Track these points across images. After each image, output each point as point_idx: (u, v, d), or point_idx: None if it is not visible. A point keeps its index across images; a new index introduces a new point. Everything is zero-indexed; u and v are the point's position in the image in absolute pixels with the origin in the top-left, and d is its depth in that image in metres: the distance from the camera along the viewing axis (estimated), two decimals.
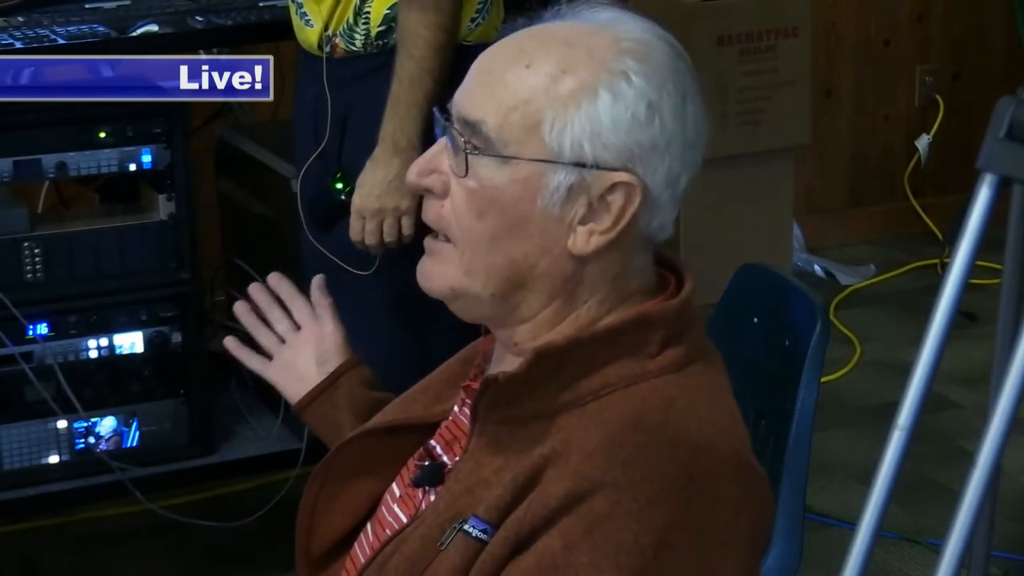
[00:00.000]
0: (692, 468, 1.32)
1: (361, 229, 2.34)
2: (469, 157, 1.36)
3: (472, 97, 1.38)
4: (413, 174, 1.42)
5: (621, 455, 1.30)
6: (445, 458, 1.47)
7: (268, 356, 1.82)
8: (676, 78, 1.36)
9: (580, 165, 1.34)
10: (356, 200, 2.34)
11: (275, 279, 1.83)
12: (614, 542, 1.27)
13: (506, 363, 1.44)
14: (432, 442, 1.50)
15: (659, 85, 1.34)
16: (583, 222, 1.35)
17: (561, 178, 1.34)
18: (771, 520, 1.45)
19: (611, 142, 1.33)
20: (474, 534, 1.34)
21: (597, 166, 1.34)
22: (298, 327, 1.81)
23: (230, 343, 1.83)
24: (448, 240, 1.40)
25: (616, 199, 1.35)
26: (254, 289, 1.83)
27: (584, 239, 1.36)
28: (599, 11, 1.39)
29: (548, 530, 1.29)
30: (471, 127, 1.36)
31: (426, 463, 1.48)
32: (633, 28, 1.38)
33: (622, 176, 1.34)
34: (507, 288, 1.39)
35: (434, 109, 1.46)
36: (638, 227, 1.37)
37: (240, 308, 1.83)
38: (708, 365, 1.42)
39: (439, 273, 1.41)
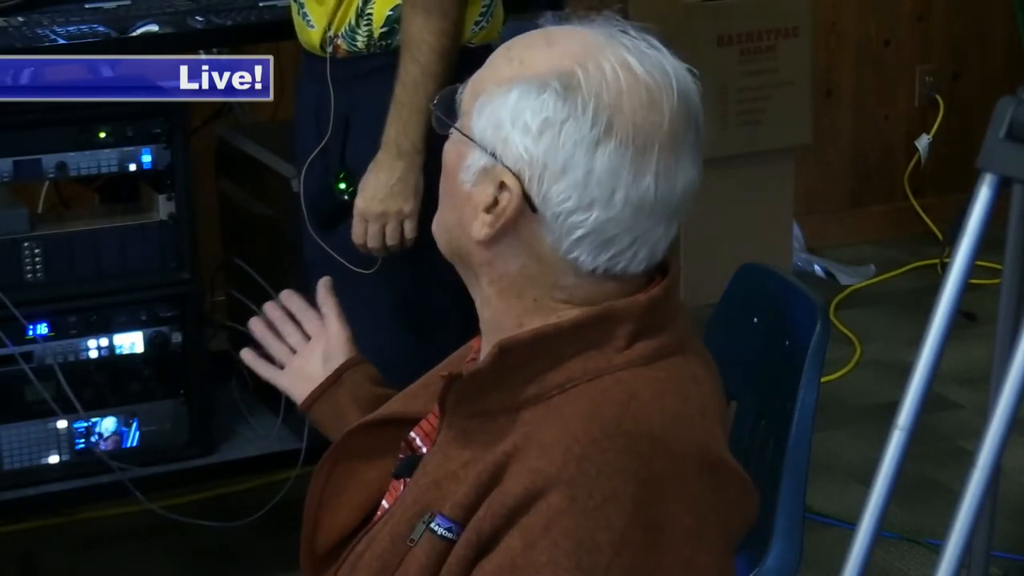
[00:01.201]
0: (651, 463, 1.31)
1: (364, 232, 2.34)
2: (439, 117, 1.44)
3: None
4: None
5: (576, 451, 1.30)
6: (424, 449, 1.48)
7: (280, 366, 1.87)
8: (611, 118, 1.33)
9: (484, 150, 1.37)
10: (359, 203, 2.34)
11: (287, 295, 1.88)
12: (573, 540, 1.27)
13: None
14: (412, 434, 1.51)
15: (572, 110, 1.33)
16: (487, 211, 1.38)
17: (475, 158, 1.38)
18: (749, 517, 1.44)
19: (508, 138, 1.35)
20: (440, 533, 1.34)
21: (495, 156, 1.36)
22: (308, 338, 1.85)
23: (247, 356, 1.88)
24: None
25: (503, 198, 1.36)
26: (269, 307, 1.88)
27: (479, 226, 1.38)
28: (645, 39, 1.38)
29: (509, 530, 1.30)
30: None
31: (407, 455, 1.50)
32: (628, 60, 1.35)
33: (508, 176, 1.35)
34: (452, 254, 1.44)
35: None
36: (543, 244, 1.36)
37: (255, 325, 1.88)
38: (686, 359, 1.41)
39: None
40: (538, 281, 1.39)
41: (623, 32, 1.38)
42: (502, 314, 1.41)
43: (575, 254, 1.36)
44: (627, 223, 1.35)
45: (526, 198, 1.35)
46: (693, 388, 1.40)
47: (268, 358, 1.88)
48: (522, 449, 1.32)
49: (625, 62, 1.35)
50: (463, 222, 1.40)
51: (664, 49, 1.39)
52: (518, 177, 1.35)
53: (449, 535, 1.34)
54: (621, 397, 1.34)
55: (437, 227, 1.45)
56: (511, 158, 1.35)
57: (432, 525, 1.35)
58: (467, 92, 1.41)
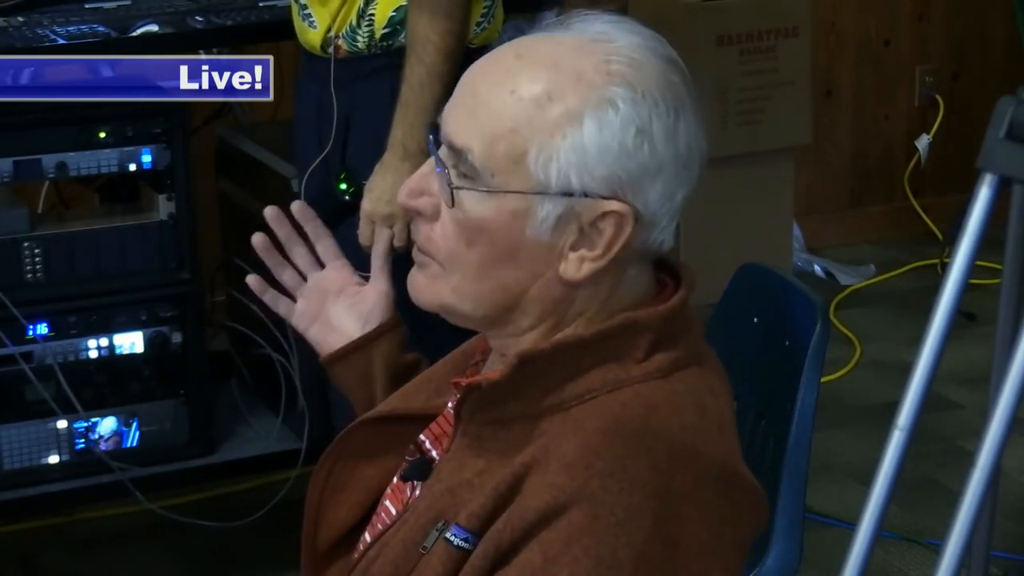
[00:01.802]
0: (672, 479, 1.31)
1: (371, 234, 2.34)
2: (455, 190, 1.35)
3: (458, 121, 1.36)
4: (403, 195, 1.40)
5: (599, 466, 1.29)
6: (434, 452, 1.47)
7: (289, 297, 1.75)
8: (668, 96, 1.33)
9: (568, 195, 1.32)
10: (366, 205, 2.34)
11: (299, 208, 1.74)
12: (593, 556, 1.27)
13: (498, 364, 1.44)
14: (422, 436, 1.50)
15: (648, 109, 1.32)
16: (574, 248, 1.35)
17: (550, 208, 1.33)
18: (761, 528, 1.43)
19: (599, 172, 1.32)
20: (456, 543, 1.33)
21: (585, 195, 1.32)
22: (319, 262, 1.74)
23: (254, 283, 1.74)
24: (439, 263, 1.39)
25: (607, 227, 1.33)
26: (273, 217, 1.72)
27: (575, 266, 1.35)
28: (591, 22, 1.37)
29: (528, 543, 1.29)
30: (457, 154, 1.35)
31: (415, 457, 1.49)
32: (624, 44, 1.35)
33: (612, 205, 1.32)
34: (498, 311, 1.39)
35: (426, 127, 1.45)
36: (632, 246, 1.36)
37: (260, 243, 1.71)
38: (701, 371, 1.40)
39: (428, 289, 1.41)
40: (604, 293, 1.38)
41: (595, 18, 1.37)
42: (530, 337, 1.40)
43: (662, 238, 1.37)
44: (697, 181, 1.37)
45: (635, 214, 1.33)
46: (710, 401, 1.39)
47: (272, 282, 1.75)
48: (541, 462, 1.31)
49: (631, 43, 1.35)
50: (538, 272, 1.35)
51: (607, 12, 1.39)
52: (620, 200, 1.33)
53: (465, 545, 1.33)
54: (640, 411, 1.33)
55: (477, 295, 1.38)
56: (605, 186, 1.32)
57: (448, 535, 1.34)
58: (495, 154, 1.33)
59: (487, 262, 1.36)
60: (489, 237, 1.35)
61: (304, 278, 1.74)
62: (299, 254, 1.74)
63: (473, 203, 1.35)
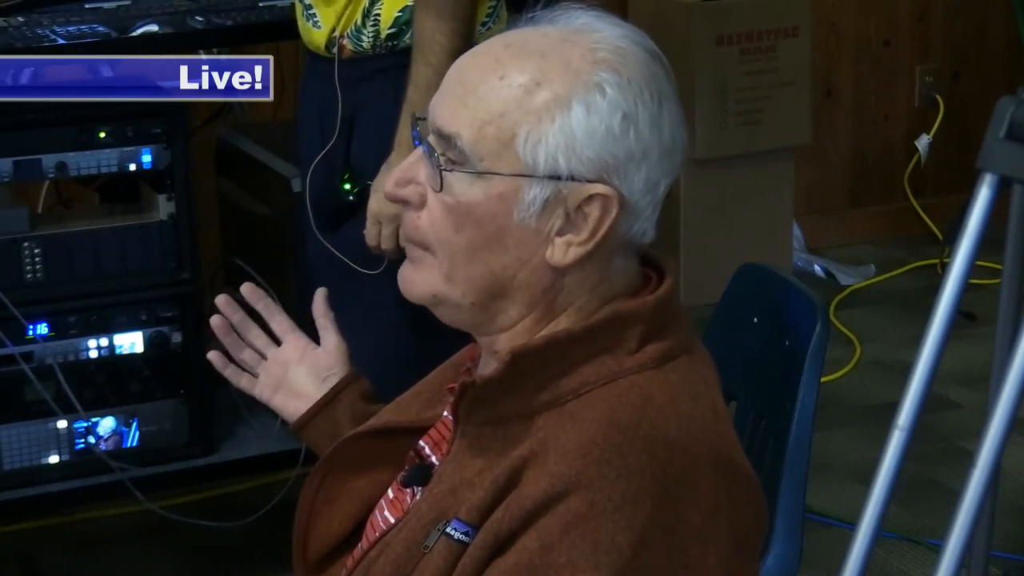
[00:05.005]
0: (668, 465, 1.31)
1: (378, 234, 2.34)
2: (443, 173, 1.37)
3: (447, 108, 1.38)
4: (390, 184, 1.42)
5: (596, 454, 1.30)
6: (434, 458, 1.48)
7: (250, 373, 1.79)
8: (652, 85, 1.36)
9: (555, 178, 1.34)
10: (373, 205, 2.34)
11: (249, 291, 1.78)
12: (591, 541, 1.28)
13: (489, 367, 1.44)
14: (421, 443, 1.50)
15: (634, 95, 1.34)
16: (560, 233, 1.36)
17: (537, 191, 1.34)
18: (760, 522, 1.44)
19: (586, 155, 1.34)
20: (456, 536, 1.34)
21: (572, 178, 1.34)
22: (275, 339, 1.78)
23: (215, 359, 1.78)
24: (427, 249, 1.41)
25: (593, 210, 1.35)
26: (224, 304, 1.77)
27: (562, 250, 1.36)
28: (575, 15, 1.39)
29: (526, 531, 1.30)
30: (446, 140, 1.37)
31: (415, 464, 1.49)
32: (609, 35, 1.37)
33: (598, 188, 1.34)
34: (486, 298, 1.40)
35: (412, 115, 1.46)
36: (617, 234, 1.37)
37: (218, 324, 1.77)
38: (692, 360, 1.41)
39: (420, 280, 1.43)
40: (592, 281, 1.39)
41: (579, 12, 1.39)
42: (520, 329, 1.40)
43: (645, 228, 1.38)
44: (679, 172, 1.39)
45: (620, 199, 1.35)
46: (703, 390, 1.40)
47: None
48: (539, 454, 1.32)
49: (616, 34, 1.37)
50: (525, 258, 1.37)
51: (591, 8, 1.41)
52: (606, 183, 1.34)
53: (465, 538, 1.33)
54: (636, 401, 1.34)
55: (466, 280, 1.39)
56: (592, 170, 1.34)
57: (448, 530, 1.35)
58: (484, 137, 1.34)
59: (475, 246, 1.37)
60: (476, 221, 1.36)
61: (263, 356, 1.78)
62: (255, 335, 1.78)
63: (461, 187, 1.36)
